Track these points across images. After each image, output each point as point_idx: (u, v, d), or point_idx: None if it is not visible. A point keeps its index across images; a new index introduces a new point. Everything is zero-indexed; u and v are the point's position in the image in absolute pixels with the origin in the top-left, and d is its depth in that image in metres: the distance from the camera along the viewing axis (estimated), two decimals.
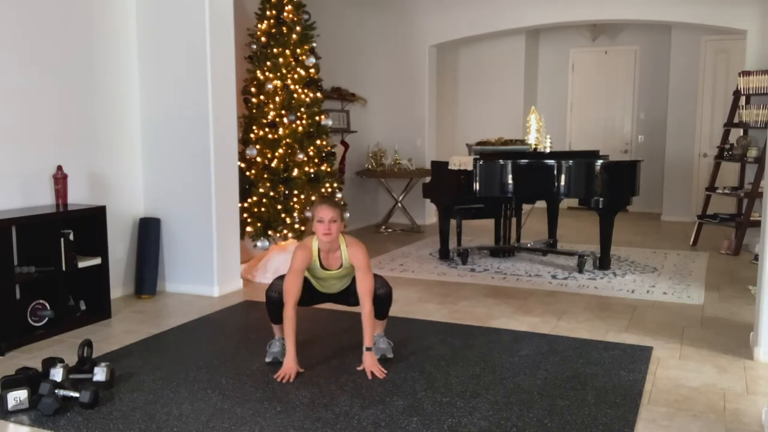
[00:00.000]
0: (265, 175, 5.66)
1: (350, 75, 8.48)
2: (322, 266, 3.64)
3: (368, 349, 3.58)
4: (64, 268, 4.39)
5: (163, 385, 3.43)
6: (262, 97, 5.71)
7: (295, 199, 5.66)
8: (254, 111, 5.75)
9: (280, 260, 5.77)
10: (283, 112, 5.66)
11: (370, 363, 3.57)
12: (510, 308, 4.91)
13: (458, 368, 3.65)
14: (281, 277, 3.68)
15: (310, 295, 3.76)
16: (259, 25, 5.78)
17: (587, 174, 5.97)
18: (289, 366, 3.52)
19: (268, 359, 3.74)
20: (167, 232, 5.36)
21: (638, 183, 6.19)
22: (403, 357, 3.82)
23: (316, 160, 5.80)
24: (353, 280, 3.70)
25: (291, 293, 3.54)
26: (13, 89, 4.38)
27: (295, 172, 5.65)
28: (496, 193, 6.12)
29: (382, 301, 3.70)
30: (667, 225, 8.96)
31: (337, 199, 3.57)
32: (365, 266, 3.59)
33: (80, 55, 4.84)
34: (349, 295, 3.79)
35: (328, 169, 5.88)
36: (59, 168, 4.59)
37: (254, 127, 5.71)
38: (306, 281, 3.68)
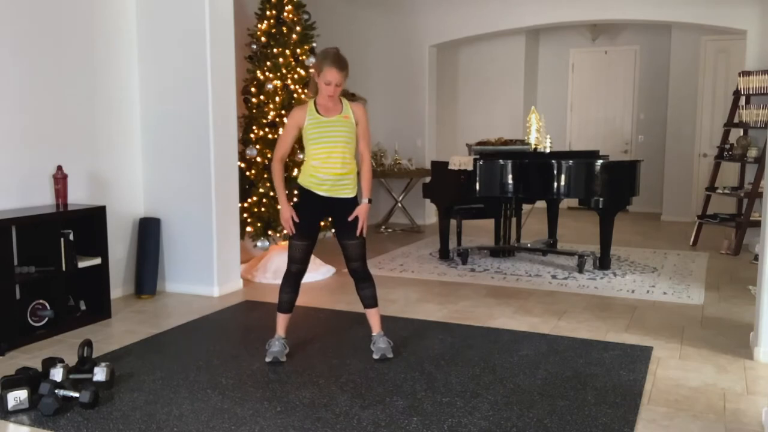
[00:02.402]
0: (265, 175, 5.66)
1: (350, 75, 8.44)
2: (318, 113, 3.61)
3: (365, 201, 3.72)
4: (64, 268, 4.39)
5: (163, 385, 3.43)
6: (262, 97, 5.71)
7: (295, 199, 5.65)
8: (254, 111, 5.75)
9: (280, 260, 5.77)
10: (283, 112, 5.67)
11: (363, 212, 3.67)
12: (510, 308, 4.92)
13: (458, 368, 3.65)
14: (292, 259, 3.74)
15: (311, 216, 3.71)
16: (259, 25, 5.78)
17: (587, 174, 5.96)
18: (285, 215, 3.65)
19: (268, 359, 3.74)
20: (167, 232, 5.36)
21: (638, 183, 6.19)
22: (403, 357, 3.82)
23: None
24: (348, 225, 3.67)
25: (280, 148, 3.67)
26: (13, 89, 4.38)
27: (295, 172, 5.65)
28: (496, 193, 6.12)
29: (365, 275, 3.77)
30: (667, 225, 8.95)
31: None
32: (366, 123, 3.73)
33: (81, 56, 4.84)
34: (346, 228, 3.70)
35: None
36: (59, 168, 4.59)
37: (254, 127, 5.71)
38: (305, 208, 3.67)
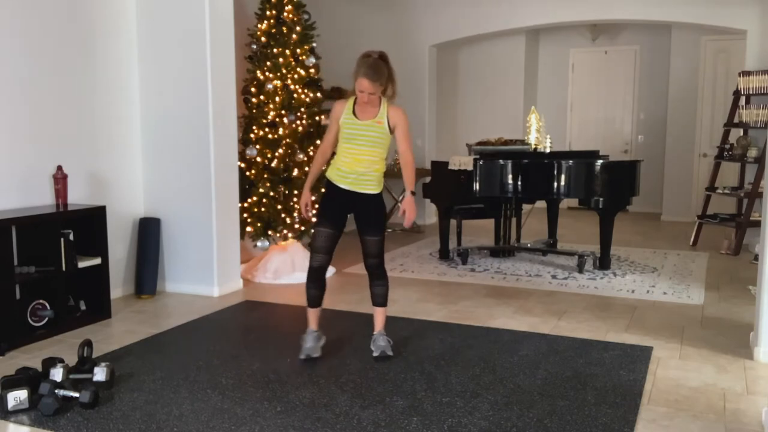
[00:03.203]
0: (265, 175, 5.66)
1: (350, 75, 8.45)
2: (355, 115, 3.67)
3: (412, 193, 3.79)
4: (64, 268, 4.39)
5: (163, 385, 3.43)
6: (262, 97, 5.71)
7: (295, 199, 5.66)
8: (254, 111, 5.75)
9: (280, 260, 5.77)
10: (283, 112, 5.67)
11: (409, 204, 3.76)
12: (510, 308, 4.91)
13: (458, 368, 3.65)
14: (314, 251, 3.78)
15: (336, 205, 3.74)
16: (259, 25, 5.78)
17: (587, 174, 5.96)
18: (302, 200, 3.85)
19: (301, 356, 3.77)
20: (167, 232, 5.36)
21: (638, 183, 6.19)
22: (403, 357, 3.82)
23: None
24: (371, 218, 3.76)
25: (323, 141, 3.83)
26: (13, 89, 4.38)
27: (295, 172, 5.66)
28: (496, 193, 6.12)
29: (380, 273, 3.82)
30: (667, 225, 8.95)
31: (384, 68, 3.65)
32: (405, 126, 3.74)
33: (80, 56, 4.84)
34: (368, 224, 3.77)
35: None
36: (59, 168, 4.59)
37: (254, 127, 5.71)
38: (331, 196, 3.72)
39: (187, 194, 5.25)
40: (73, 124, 4.81)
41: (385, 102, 3.71)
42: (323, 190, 3.83)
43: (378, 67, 3.59)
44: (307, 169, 5.67)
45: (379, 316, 3.90)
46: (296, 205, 5.66)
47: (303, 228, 5.73)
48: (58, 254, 4.35)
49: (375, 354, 3.79)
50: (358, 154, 3.66)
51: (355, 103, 3.70)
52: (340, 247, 3.89)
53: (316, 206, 3.89)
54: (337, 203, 3.74)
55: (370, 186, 3.72)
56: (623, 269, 6.20)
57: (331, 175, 3.76)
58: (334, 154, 3.83)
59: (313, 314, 3.88)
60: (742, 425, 3.00)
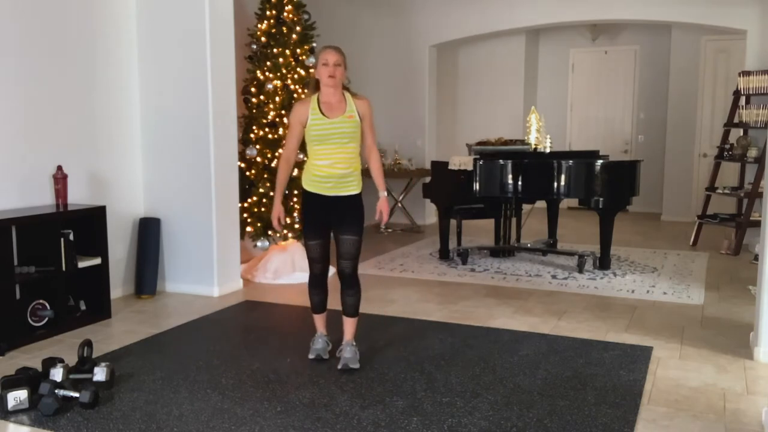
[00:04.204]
0: (265, 175, 5.66)
1: (350, 75, 8.41)
2: (322, 113, 3.51)
3: (383, 195, 3.76)
4: (64, 268, 4.39)
5: (163, 385, 3.43)
6: (262, 97, 5.71)
7: (295, 199, 5.66)
8: (254, 111, 5.75)
9: (280, 260, 5.77)
10: (283, 112, 5.67)
11: (383, 205, 3.73)
12: (510, 308, 4.91)
13: (458, 368, 3.65)
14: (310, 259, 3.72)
15: (318, 214, 3.63)
16: (259, 25, 5.78)
17: (587, 174, 5.96)
18: (274, 213, 3.73)
19: (311, 356, 3.77)
20: (167, 232, 5.36)
21: (638, 183, 6.19)
22: (403, 357, 3.82)
23: None
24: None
25: (286, 147, 3.67)
26: (14, 89, 4.38)
27: (295, 172, 5.65)
28: (496, 193, 6.12)
29: (352, 281, 3.68)
30: (667, 225, 8.95)
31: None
32: (371, 118, 3.66)
33: (81, 56, 4.84)
34: (344, 225, 3.64)
35: None
36: (59, 168, 4.59)
37: (254, 127, 5.71)
38: (311, 202, 3.62)
39: (187, 194, 5.25)
40: (73, 124, 4.81)
41: (349, 95, 3.63)
42: (296, 200, 3.79)
43: (338, 47, 3.60)
44: None
45: (350, 326, 3.74)
46: (296, 206, 5.66)
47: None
48: (58, 254, 4.35)
49: (339, 366, 3.62)
50: (334, 153, 3.52)
51: (318, 102, 3.55)
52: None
53: (288, 218, 3.83)
54: (319, 211, 3.62)
55: (352, 186, 3.61)
56: (623, 269, 6.20)
57: (308, 184, 3.61)
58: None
59: (319, 319, 3.85)
60: (742, 425, 3.00)
